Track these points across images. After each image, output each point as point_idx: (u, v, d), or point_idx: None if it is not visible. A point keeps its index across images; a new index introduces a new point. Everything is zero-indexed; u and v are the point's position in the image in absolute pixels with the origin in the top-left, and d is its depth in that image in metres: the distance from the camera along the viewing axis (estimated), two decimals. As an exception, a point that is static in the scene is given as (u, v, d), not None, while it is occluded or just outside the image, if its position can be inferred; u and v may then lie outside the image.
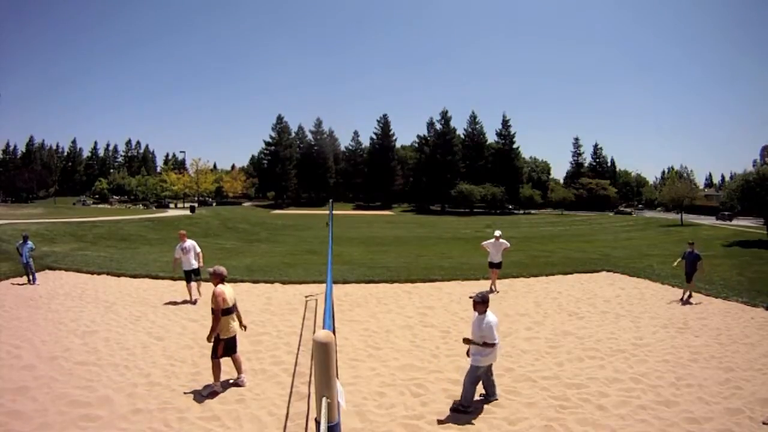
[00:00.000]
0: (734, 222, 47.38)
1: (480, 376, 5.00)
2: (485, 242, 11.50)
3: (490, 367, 5.11)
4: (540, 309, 9.41)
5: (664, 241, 28.35)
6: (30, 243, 11.16)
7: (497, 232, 11.41)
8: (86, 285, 11.04)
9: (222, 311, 5.25)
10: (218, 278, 5.44)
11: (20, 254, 11.00)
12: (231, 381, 5.49)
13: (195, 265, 9.56)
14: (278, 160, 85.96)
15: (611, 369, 6.06)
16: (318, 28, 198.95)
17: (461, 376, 5.56)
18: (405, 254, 19.28)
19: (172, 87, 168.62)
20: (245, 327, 5.75)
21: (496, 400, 5.15)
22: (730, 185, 35.55)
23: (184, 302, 9.46)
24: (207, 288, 9.81)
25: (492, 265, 11.14)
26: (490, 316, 5.00)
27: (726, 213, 48.92)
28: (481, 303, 5.05)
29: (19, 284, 10.93)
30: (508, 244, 11.49)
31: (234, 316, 5.49)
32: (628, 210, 72.41)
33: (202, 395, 5.11)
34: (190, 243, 9.66)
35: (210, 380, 5.36)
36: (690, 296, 10.27)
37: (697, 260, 10.24)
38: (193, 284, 9.57)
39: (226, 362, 5.44)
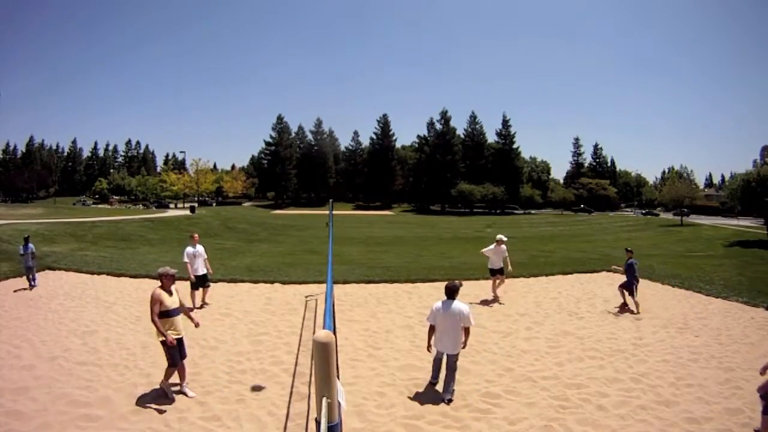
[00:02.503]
0: (691, 218, 52.29)
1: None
2: (484, 249, 10.43)
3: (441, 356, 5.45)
4: (540, 309, 9.41)
5: (664, 241, 28.38)
6: (31, 245, 11.08)
7: (499, 236, 10.37)
8: (86, 285, 11.04)
9: (160, 313, 5.06)
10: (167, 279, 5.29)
11: (22, 255, 10.93)
12: (176, 388, 5.20)
13: (203, 270, 9.23)
14: (278, 160, 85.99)
15: (611, 369, 6.06)
16: (318, 28, 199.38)
17: (461, 375, 5.62)
18: (405, 254, 19.28)
19: (172, 87, 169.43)
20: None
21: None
22: (730, 185, 35.58)
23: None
24: (216, 295, 9.85)
25: (493, 272, 10.21)
26: (456, 304, 5.47)
27: (684, 210, 53.62)
28: (446, 289, 5.57)
29: (19, 285, 10.92)
30: (506, 252, 10.23)
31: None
32: (656, 212, 70.43)
33: (201, 395, 5.11)
34: (199, 248, 9.34)
35: (209, 381, 5.37)
36: (632, 311, 9.04)
37: (631, 269, 9.27)
38: (199, 290, 9.31)
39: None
